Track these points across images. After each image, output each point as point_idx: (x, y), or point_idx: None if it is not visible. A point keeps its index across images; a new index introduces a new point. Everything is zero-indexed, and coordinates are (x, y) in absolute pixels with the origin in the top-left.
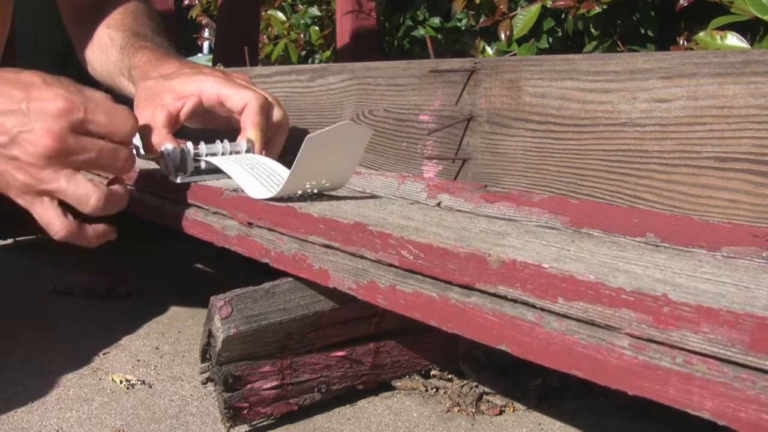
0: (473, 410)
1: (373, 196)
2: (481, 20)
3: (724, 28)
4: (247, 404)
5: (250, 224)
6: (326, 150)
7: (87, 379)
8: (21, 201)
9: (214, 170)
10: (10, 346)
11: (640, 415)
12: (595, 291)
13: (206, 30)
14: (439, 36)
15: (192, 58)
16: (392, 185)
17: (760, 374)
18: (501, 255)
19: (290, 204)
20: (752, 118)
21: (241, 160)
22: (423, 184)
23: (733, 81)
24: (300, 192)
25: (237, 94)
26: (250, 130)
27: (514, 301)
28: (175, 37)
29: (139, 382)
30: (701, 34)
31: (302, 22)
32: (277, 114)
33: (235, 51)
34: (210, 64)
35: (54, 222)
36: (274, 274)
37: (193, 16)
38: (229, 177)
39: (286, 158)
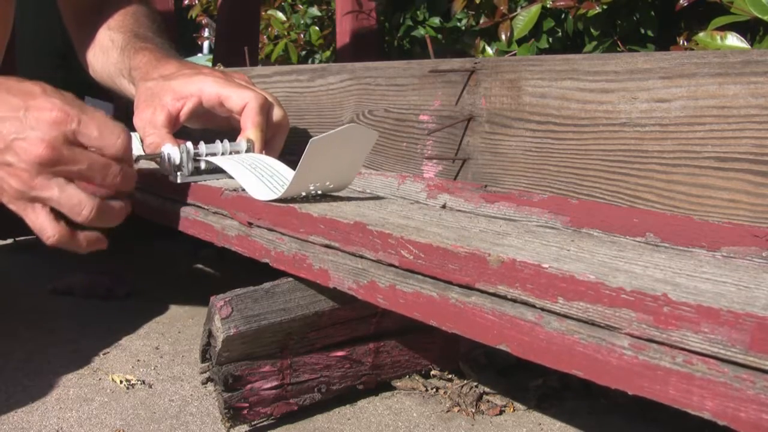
0: (473, 410)
1: (373, 196)
2: (482, 21)
3: (724, 28)
4: (247, 404)
5: (250, 224)
6: (330, 152)
7: (87, 379)
8: (13, 207)
9: (214, 170)
10: (10, 346)
11: (640, 416)
12: (595, 291)
13: (206, 30)
14: (439, 36)
15: (192, 58)
16: (392, 185)
17: (760, 374)
18: (501, 255)
19: (290, 204)
20: (752, 118)
21: (244, 160)
22: (423, 184)
23: (733, 81)
24: (303, 194)
25: (237, 95)
26: (250, 130)
27: (514, 300)
28: (175, 37)
29: (139, 382)
30: (701, 34)
31: (302, 22)
32: (277, 114)
33: (235, 51)
34: (210, 64)
35: (46, 228)
36: (274, 274)
37: (193, 16)
38: (230, 177)
39: (287, 158)
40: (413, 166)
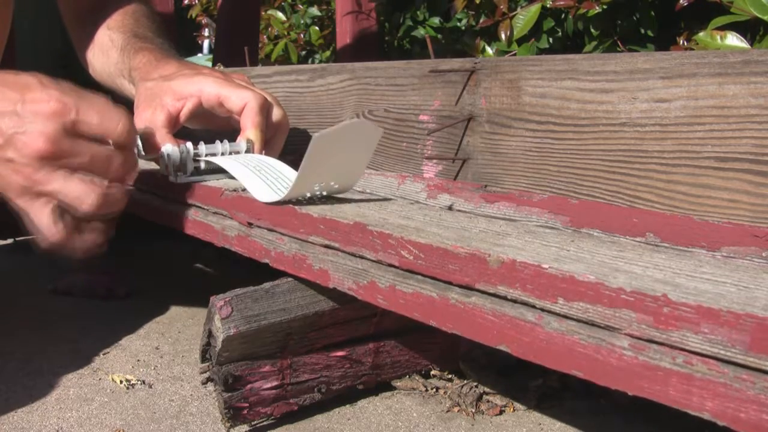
0: (473, 410)
1: (372, 196)
2: (482, 20)
3: (724, 28)
4: (247, 404)
5: (250, 224)
6: (335, 149)
7: (87, 379)
8: (19, 202)
9: (214, 170)
10: (10, 346)
11: (640, 416)
12: (595, 291)
13: (206, 30)
14: (439, 36)
15: (192, 58)
16: (392, 185)
17: (761, 375)
18: (501, 255)
19: (290, 204)
20: (752, 118)
21: (248, 161)
22: (423, 184)
23: (733, 81)
24: (308, 194)
25: (236, 95)
26: (249, 130)
27: (514, 301)
28: (175, 37)
29: (139, 382)
30: (701, 34)
31: (302, 22)
32: (276, 114)
33: (235, 51)
34: (210, 64)
35: (46, 227)
36: (274, 274)
37: (193, 16)
38: (231, 177)
39: (287, 158)
40: (413, 166)
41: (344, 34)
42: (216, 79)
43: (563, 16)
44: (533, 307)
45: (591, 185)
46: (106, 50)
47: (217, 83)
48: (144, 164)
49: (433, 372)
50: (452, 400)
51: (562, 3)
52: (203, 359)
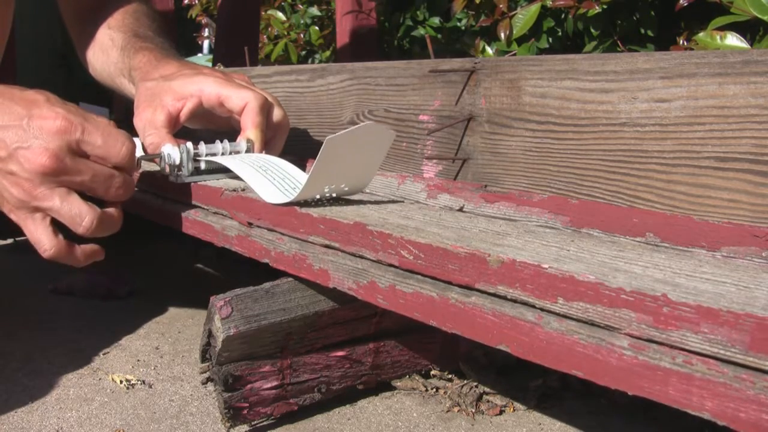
0: (473, 410)
1: (372, 196)
2: (481, 19)
3: (724, 28)
4: (247, 404)
5: (250, 224)
6: (347, 152)
7: (87, 379)
8: (14, 216)
9: (214, 170)
10: (10, 346)
11: (640, 416)
12: (595, 291)
13: (206, 30)
14: (439, 36)
15: (192, 58)
16: (392, 185)
17: (760, 374)
18: (501, 255)
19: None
20: (752, 118)
21: (254, 162)
22: (423, 184)
23: (733, 81)
24: (318, 196)
25: (237, 95)
26: (250, 130)
27: (514, 301)
28: (175, 37)
29: (139, 382)
30: (701, 34)
31: (302, 22)
32: (277, 114)
33: (235, 51)
34: (210, 64)
35: (43, 240)
36: (274, 274)
37: (193, 16)
38: (232, 177)
39: (287, 158)
40: (413, 166)
41: (344, 34)
42: (216, 79)
43: (563, 15)
44: (533, 306)
45: (591, 185)
46: (107, 50)
47: (218, 83)
48: (144, 164)
49: (433, 372)
50: (452, 400)
51: (562, 3)
52: (203, 359)
